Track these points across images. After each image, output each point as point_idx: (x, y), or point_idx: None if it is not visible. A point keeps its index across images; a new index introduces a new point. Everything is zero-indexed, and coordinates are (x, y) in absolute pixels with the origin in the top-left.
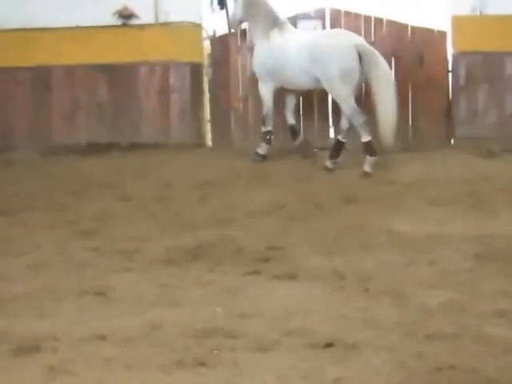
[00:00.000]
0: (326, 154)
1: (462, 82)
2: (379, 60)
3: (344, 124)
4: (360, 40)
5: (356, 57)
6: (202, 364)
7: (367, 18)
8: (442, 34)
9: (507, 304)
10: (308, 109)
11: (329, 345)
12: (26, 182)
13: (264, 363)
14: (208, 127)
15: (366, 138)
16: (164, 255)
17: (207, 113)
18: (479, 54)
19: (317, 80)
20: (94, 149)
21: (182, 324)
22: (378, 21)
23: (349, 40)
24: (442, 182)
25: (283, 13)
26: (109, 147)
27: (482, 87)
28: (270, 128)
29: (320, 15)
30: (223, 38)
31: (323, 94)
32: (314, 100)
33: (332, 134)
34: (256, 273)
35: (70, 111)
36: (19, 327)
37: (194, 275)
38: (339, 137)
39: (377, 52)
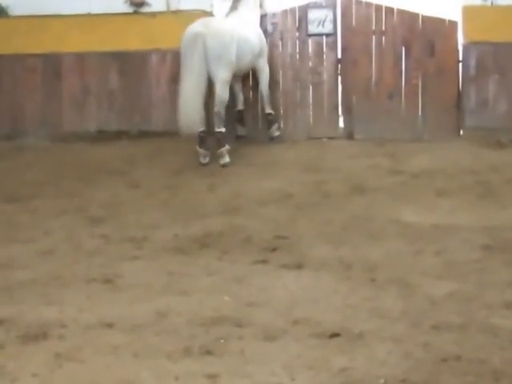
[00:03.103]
0: None
1: (473, 72)
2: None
3: None
4: (194, 28)
5: (186, 43)
6: (209, 352)
7: (378, 7)
8: (453, 24)
9: None
10: (317, 99)
11: (335, 334)
12: (35, 169)
13: (270, 352)
14: None
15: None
16: (172, 243)
17: None
18: (490, 45)
19: None
20: (103, 136)
21: (189, 312)
22: (389, 10)
23: (189, 29)
24: (450, 172)
25: (294, 1)
26: (119, 135)
27: (492, 78)
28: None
29: (331, 4)
30: None
31: (332, 84)
32: (323, 90)
33: (341, 123)
34: (263, 262)
35: (81, 98)
36: (27, 314)
37: (202, 263)
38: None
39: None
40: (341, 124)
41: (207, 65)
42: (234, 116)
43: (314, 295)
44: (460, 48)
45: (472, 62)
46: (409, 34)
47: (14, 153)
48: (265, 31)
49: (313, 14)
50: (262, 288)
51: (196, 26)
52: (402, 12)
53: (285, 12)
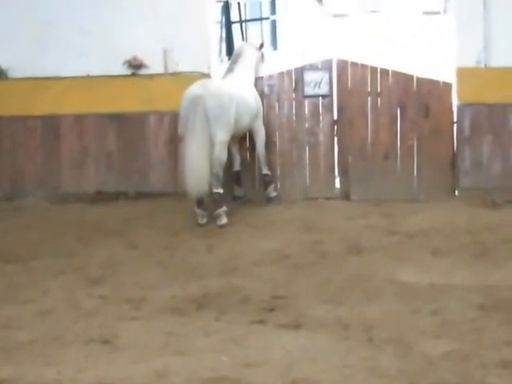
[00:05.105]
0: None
1: (467, 133)
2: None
3: None
4: (194, 90)
5: (186, 105)
6: None
7: (373, 69)
8: (448, 86)
9: (511, 355)
10: (313, 159)
11: None
12: (34, 230)
13: None
14: None
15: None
16: (170, 304)
17: None
18: (484, 106)
19: None
20: (102, 197)
21: (187, 372)
22: (384, 72)
23: (188, 91)
24: (446, 232)
25: (290, 64)
26: (117, 195)
27: (486, 138)
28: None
29: (327, 66)
30: None
31: (328, 145)
32: (320, 151)
33: (338, 184)
34: (261, 322)
35: (79, 159)
36: (26, 375)
37: (199, 324)
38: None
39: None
40: (337, 184)
41: (208, 126)
42: (231, 177)
43: (312, 355)
44: (454, 109)
45: (466, 123)
46: (404, 96)
47: (13, 213)
48: (261, 93)
49: (309, 76)
50: (260, 348)
51: (195, 88)
52: (396, 74)
53: (281, 74)
